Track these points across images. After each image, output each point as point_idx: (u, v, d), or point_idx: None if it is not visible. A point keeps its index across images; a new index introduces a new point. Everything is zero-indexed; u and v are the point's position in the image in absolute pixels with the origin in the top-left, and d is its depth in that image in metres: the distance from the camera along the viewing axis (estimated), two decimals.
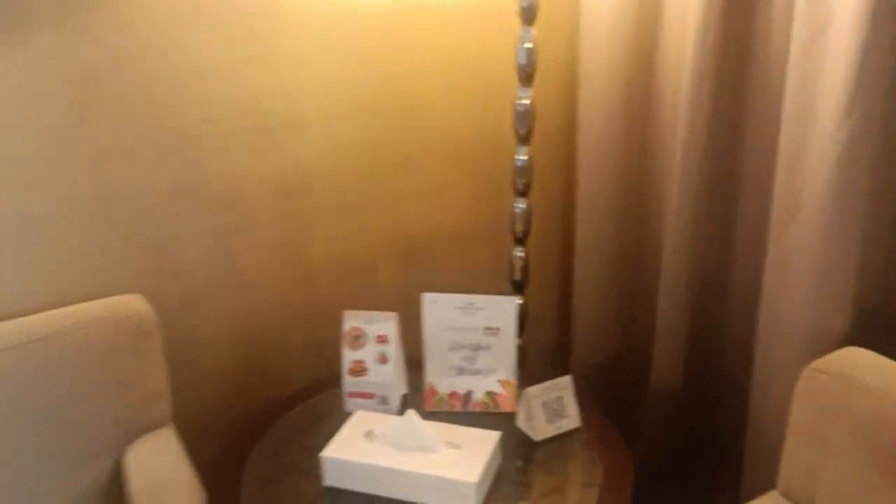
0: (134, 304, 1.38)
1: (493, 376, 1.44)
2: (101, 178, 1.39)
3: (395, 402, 1.43)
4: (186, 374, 1.54)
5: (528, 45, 1.50)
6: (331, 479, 1.24)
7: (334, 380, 1.47)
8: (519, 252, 1.67)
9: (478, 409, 1.43)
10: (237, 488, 1.26)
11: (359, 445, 1.26)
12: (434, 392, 1.44)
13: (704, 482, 1.75)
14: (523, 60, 1.51)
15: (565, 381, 1.37)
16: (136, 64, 1.37)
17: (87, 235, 1.40)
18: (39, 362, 1.28)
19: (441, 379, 1.45)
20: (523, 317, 1.70)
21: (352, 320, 1.42)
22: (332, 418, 1.37)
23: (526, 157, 1.58)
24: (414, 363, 1.50)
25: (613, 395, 1.84)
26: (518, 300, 1.67)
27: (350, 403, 1.43)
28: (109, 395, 1.34)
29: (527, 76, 1.52)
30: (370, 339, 1.41)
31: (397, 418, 1.29)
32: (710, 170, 1.52)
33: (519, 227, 1.64)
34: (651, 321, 1.67)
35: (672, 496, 1.80)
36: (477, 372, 1.45)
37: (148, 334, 1.37)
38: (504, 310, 1.42)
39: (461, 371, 1.45)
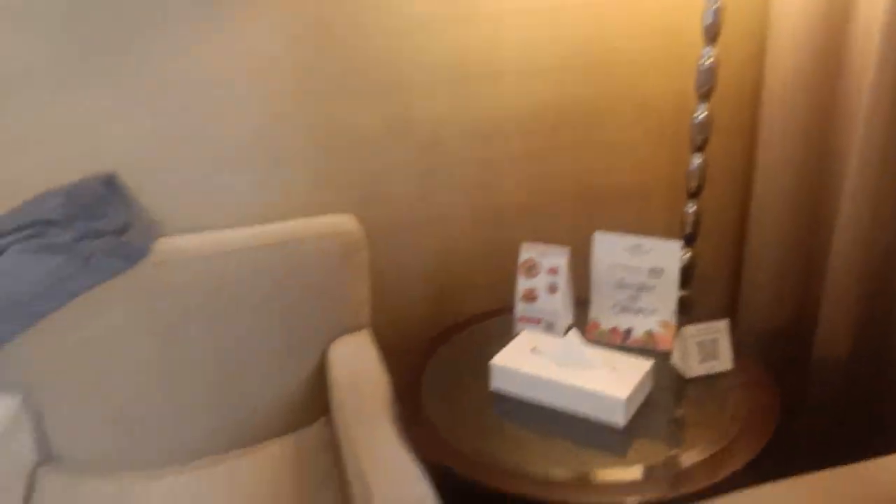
0: (347, 223, 1.59)
1: (654, 317, 1.53)
2: (331, 112, 1.61)
3: (561, 329, 1.55)
4: (385, 291, 1.76)
5: (716, 4, 1.55)
6: (497, 383, 1.40)
7: (508, 309, 1.63)
8: (691, 206, 1.73)
9: (636, 346, 1.51)
10: (419, 386, 1.45)
11: (524, 358, 1.40)
12: (597, 326, 1.56)
13: (866, 452, 1.73)
14: (710, 20, 1.56)
15: (722, 325, 1.41)
16: (363, 15, 1.57)
17: (315, 161, 1.64)
18: (272, 263, 1.52)
19: (604, 315, 1.56)
20: (690, 268, 1.76)
21: (528, 252, 1.56)
22: (503, 337, 1.52)
23: (705, 114, 1.64)
24: (580, 303, 1.61)
25: (778, 360, 1.86)
26: (685, 251, 1.75)
27: (520, 327, 1.57)
28: (323, 298, 1.56)
29: (712, 36, 1.57)
30: (543, 270, 1.55)
31: (561, 338, 1.43)
32: (893, 136, 1.50)
33: (693, 183, 1.70)
34: (822, 289, 1.67)
35: (832, 465, 1.79)
36: (639, 311, 1.54)
37: (357, 250, 1.58)
38: (669, 253, 1.49)
39: (624, 309, 1.55)
